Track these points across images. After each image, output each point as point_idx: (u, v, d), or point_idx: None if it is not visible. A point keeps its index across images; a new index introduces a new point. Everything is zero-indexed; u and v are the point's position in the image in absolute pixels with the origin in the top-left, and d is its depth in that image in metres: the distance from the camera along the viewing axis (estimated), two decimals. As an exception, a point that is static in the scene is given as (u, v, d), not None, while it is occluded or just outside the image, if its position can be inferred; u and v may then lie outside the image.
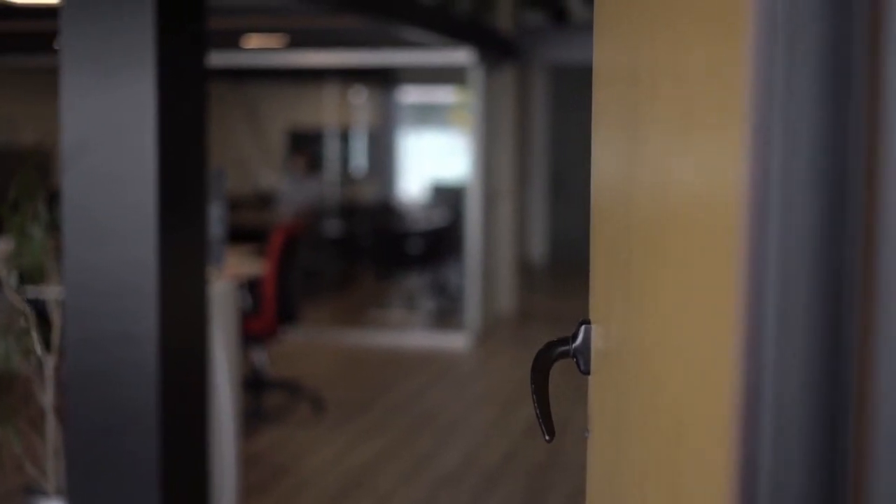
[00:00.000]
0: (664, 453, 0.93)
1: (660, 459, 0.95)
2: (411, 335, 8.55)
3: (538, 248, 12.89)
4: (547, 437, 1.43)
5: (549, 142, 12.76)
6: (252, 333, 5.93)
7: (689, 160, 0.84)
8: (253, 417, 5.99)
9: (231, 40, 7.92)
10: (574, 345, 1.47)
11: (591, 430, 1.47)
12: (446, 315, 9.27)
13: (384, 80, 12.25)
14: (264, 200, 11.17)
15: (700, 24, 0.81)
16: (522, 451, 5.54)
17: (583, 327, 1.47)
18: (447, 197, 10.83)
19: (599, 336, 1.40)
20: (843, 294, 0.63)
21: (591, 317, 1.46)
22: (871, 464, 0.63)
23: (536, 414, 1.45)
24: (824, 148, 0.64)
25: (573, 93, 12.47)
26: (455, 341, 8.34)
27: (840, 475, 0.65)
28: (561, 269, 12.47)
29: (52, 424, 3.35)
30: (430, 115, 12.81)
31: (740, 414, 0.68)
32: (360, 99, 12.38)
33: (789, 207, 0.65)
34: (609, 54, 1.35)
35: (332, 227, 10.70)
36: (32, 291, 3.46)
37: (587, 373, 1.48)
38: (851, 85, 0.62)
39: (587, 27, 10.26)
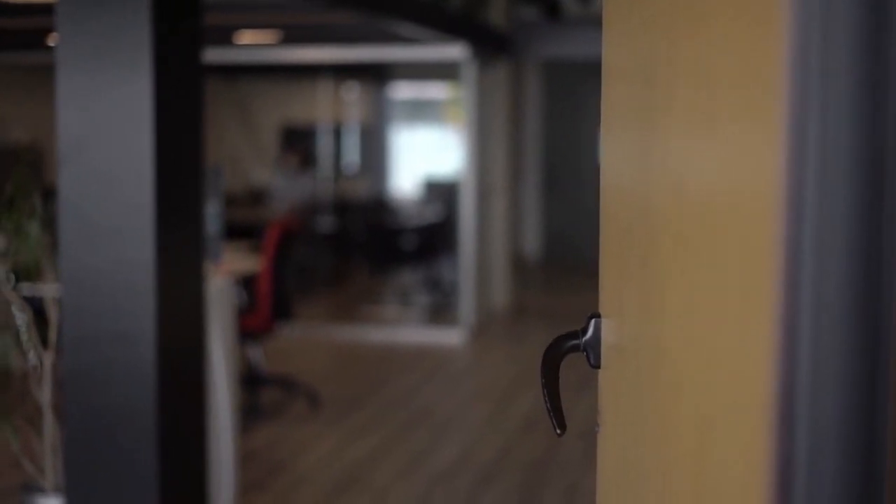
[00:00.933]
0: (688, 451, 0.92)
1: (683, 457, 0.94)
2: (405, 331, 8.54)
3: (532, 243, 12.88)
4: (558, 431, 1.43)
5: (543, 137, 12.74)
6: (247, 330, 5.92)
7: (718, 156, 0.84)
8: (249, 414, 5.98)
9: (224, 36, 7.90)
10: (584, 339, 1.47)
11: (602, 425, 1.47)
12: (440, 311, 9.26)
13: (377, 75, 12.22)
14: (257, 197, 11.14)
15: (730, 21, 0.80)
16: (518, 446, 5.54)
17: (593, 321, 1.46)
18: (440, 192, 10.82)
19: (611, 330, 1.40)
20: (881, 290, 0.63)
21: (602, 311, 1.45)
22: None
23: (547, 408, 1.44)
24: (861, 143, 0.63)
25: (566, 88, 12.47)
26: (449, 337, 8.33)
27: (876, 476, 0.64)
28: (554, 265, 12.47)
29: (49, 422, 3.33)
30: (423, 111, 12.79)
31: (774, 413, 0.67)
32: (353, 95, 12.36)
33: (826, 203, 0.64)
34: (620, 50, 1.35)
35: (326, 223, 10.68)
36: (28, 289, 3.44)
37: (597, 367, 1.47)
38: (889, 79, 0.62)
39: (580, 22, 10.23)
